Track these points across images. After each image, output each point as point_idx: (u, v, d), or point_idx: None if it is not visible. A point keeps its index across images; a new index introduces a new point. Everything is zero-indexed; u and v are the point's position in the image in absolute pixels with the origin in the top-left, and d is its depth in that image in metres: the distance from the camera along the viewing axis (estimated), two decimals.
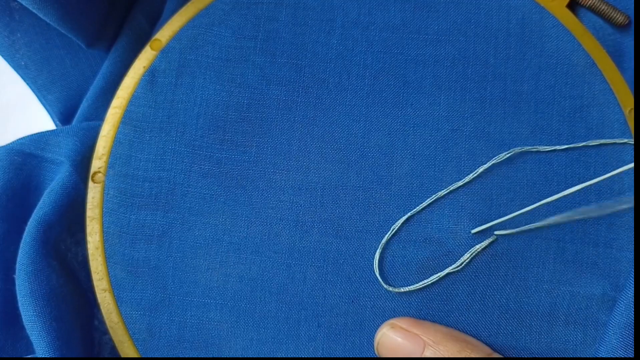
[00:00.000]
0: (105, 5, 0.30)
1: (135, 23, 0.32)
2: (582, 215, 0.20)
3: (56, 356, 0.24)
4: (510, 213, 0.24)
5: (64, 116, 0.33)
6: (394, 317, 0.24)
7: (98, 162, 0.26)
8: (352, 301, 0.25)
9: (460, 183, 0.23)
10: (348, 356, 0.24)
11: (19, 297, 0.25)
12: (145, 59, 0.27)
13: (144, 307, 0.25)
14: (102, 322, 0.29)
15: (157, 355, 0.25)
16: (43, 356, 0.24)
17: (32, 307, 0.25)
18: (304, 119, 0.26)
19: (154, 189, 0.26)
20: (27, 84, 0.33)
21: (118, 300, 0.25)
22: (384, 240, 0.24)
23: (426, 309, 0.24)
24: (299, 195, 0.26)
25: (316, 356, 0.24)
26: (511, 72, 0.26)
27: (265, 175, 0.26)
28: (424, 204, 0.25)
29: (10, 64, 0.33)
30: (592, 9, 0.27)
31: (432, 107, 0.26)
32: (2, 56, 0.32)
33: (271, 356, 0.25)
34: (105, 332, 0.29)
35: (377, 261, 0.24)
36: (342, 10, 0.27)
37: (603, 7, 0.26)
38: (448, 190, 0.24)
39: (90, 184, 0.26)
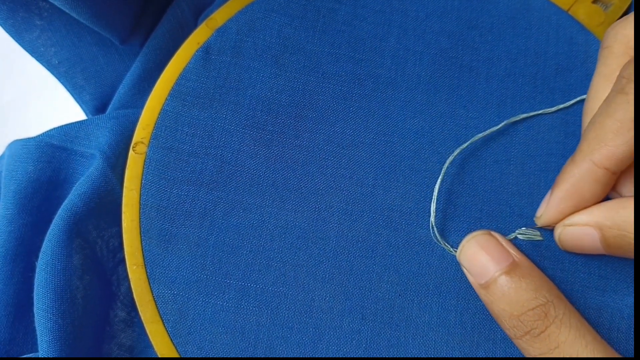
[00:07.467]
0: (139, 2, 0.30)
1: (178, 12, 0.31)
2: None
3: (55, 354, 0.23)
4: None
5: (99, 113, 0.32)
6: (441, 314, 0.24)
7: (142, 132, 0.25)
8: (399, 295, 0.24)
9: None
10: (392, 354, 0.23)
11: (34, 287, 0.24)
12: (200, 35, 0.27)
13: (178, 287, 0.24)
14: (121, 318, 0.27)
15: (189, 338, 0.23)
16: (42, 354, 0.23)
17: (43, 300, 0.24)
18: (358, 110, 0.26)
19: (199, 165, 0.25)
20: (61, 82, 0.32)
21: (150, 277, 0.24)
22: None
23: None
24: (350, 184, 0.25)
25: (358, 351, 0.23)
26: (559, 86, 0.27)
27: (317, 161, 0.25)
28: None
29: (42, 64, 0.31)
30: None
31: (484, 111, 0.26)
32: (33, 56, 0.31)
33: (312, 347, 0.23)
34: (123, 329, 0.27)
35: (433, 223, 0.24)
36: (400, 13, 0.27)
37: None
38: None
39: (131, 153, 0.25)
